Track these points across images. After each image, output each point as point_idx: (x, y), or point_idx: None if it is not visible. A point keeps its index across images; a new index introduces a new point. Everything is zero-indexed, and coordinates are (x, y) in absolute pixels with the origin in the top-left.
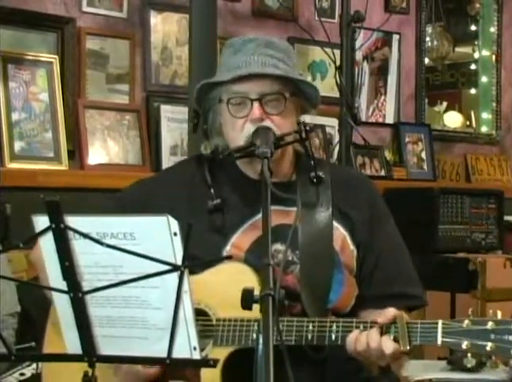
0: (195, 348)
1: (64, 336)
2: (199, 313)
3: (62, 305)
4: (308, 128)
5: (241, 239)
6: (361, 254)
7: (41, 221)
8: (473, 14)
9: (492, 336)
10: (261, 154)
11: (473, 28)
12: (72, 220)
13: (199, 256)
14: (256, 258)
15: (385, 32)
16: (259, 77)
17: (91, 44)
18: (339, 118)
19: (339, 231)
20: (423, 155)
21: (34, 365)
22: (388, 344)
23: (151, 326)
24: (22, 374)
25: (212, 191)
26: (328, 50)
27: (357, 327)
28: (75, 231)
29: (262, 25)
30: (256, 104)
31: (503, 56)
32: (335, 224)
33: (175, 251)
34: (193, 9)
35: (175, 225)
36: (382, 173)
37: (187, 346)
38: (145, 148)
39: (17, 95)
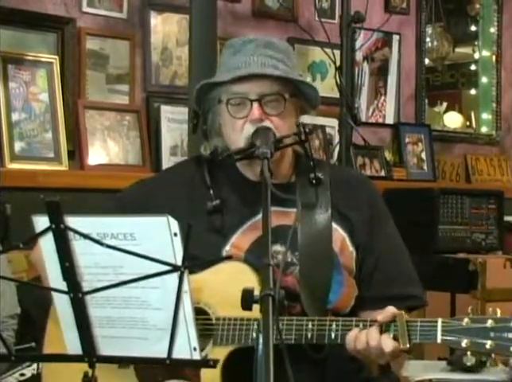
0: (195, 349)
1: (64, 336)
2: (199, 312)
3: (62, 305)
4: (307, 130)
5: (240, 240)
6: (360, 255)
7: (41, 222)
8: (473, 15)
9: (491, 334)
10: (261, 155)
11: (473, 28)
12: (72, 221)
13: (198, 256)
14: (256, 258)
15: (385, 32)
16: (259, 78)
17: (91, 44)
18: (339, 119)
19: (339, 233)
20: (423, 156)
21: (34, 366)
22: (387, 343)
23: (151, 327)
24: (22, 374)
25: (212, 192)
26: (328, 50)
27: (356, 325)
28: (76, 231)
29: (262, 26)
30: (255, 105)
31: (503, 57)
32: (335, 225)
33: (175, 252)
34: (193, 10)
35: (175, 225)
36: (382, 173)
37: (187, 346)
38: (145, 148)
39: (17, 95)
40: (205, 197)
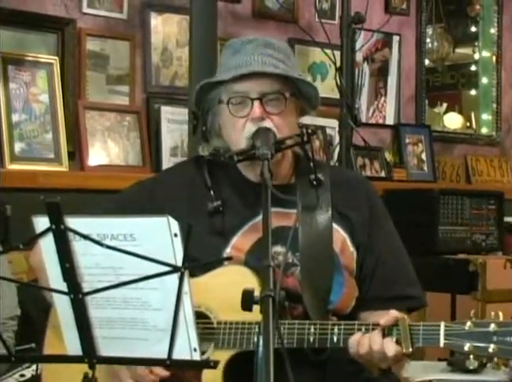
0: (195, 350)
1: (64, 337)
2: (200, 316)
3: (62, 306)
4: (309, 131)
5: (241, 241)
6: (361, 256)
7: (41, 222)
8: (473, 15)
9: (494, 338)
10: (262, 156)
11: (473, 29)
12: (73, 222)
13: (199, 258)
14: (256, 259)
15: (385, 33)
16: (259, 76)
17: (92, 45)
18: (339, 120)
19: (339, 234)
20: (423, 156)
21: (34, 366)
22: (390, 347)
23: (151, 327)
24: (22, 375)
25: (212, 193)
26: (329, 51)
27: (359, 329)
28: (76, 232)
29: (262, 27)
30: (256, 103)
31: (503, 58)
32: (335, 226)
33: (175, 252)
34: (193, 11)
35: (175, 226)
36: (382, 174)
37: (187, 347)
38: (146, 149)
39: (18, 96)
40: (205, 198)
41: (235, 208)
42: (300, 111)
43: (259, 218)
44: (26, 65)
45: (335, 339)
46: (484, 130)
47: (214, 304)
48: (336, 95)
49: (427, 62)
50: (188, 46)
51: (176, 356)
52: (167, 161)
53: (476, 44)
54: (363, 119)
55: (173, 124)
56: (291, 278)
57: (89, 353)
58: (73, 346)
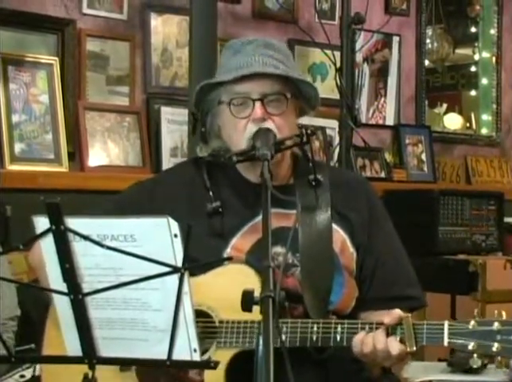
0: (195, 350)
1: (64, 337)
2: (202, 315)
3: (62, 307)
4: (309, 131)
5: (241, 242)
6: (360, 256)
7: (41, 222)
8: (473, 16)
9: (498, 336)
10: (262, 157)
11: (473, 30)
12: (73, 222)
13: (199, 259)
14: (256, 260)
15: (385, 34)
16: (260, 77)
17: (92, 45)
18: (339, 120)
19: (339, 234)
20: (423, 157)
21: (34, 367)
22: (394, 346)
23: (151, 328)
24: (22, 376)
25: (211, 194)
26: (328, 52)
27: (362, 328)
28: (76, 233)
29: (262, 27)
30: (258, 104)
31: (503, 58)
32: (335, 226)
33: (175, 253)
34: (193, 11)
35: (175, 227)
36: (382, 174)
37: (187, 348)
38: (146, 150)
39: (18, 96)
40: (205, 199)
41: (235, 209)
42: (299, 111)
43: (259, 219)
44: (26, 66)
45: (338, 338)
46: (484, 131)
47: (215, 303)
48: (336, 96)
49: (427, 63)
50: (188, 47)
51: (176, 356)
52: (167, 162)
53: (476, 44)
54: (363, 120)
55: (173, 125)
56: (291, 278)
57: (89, 354)
58: (73, 347)
